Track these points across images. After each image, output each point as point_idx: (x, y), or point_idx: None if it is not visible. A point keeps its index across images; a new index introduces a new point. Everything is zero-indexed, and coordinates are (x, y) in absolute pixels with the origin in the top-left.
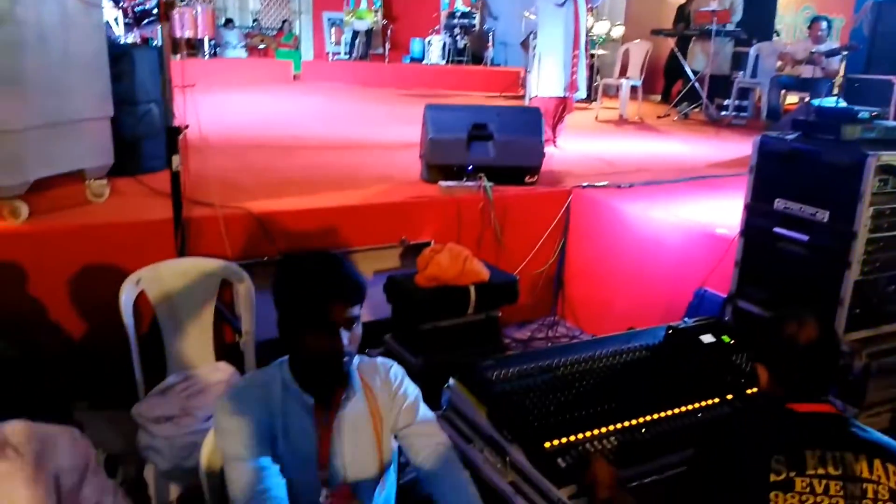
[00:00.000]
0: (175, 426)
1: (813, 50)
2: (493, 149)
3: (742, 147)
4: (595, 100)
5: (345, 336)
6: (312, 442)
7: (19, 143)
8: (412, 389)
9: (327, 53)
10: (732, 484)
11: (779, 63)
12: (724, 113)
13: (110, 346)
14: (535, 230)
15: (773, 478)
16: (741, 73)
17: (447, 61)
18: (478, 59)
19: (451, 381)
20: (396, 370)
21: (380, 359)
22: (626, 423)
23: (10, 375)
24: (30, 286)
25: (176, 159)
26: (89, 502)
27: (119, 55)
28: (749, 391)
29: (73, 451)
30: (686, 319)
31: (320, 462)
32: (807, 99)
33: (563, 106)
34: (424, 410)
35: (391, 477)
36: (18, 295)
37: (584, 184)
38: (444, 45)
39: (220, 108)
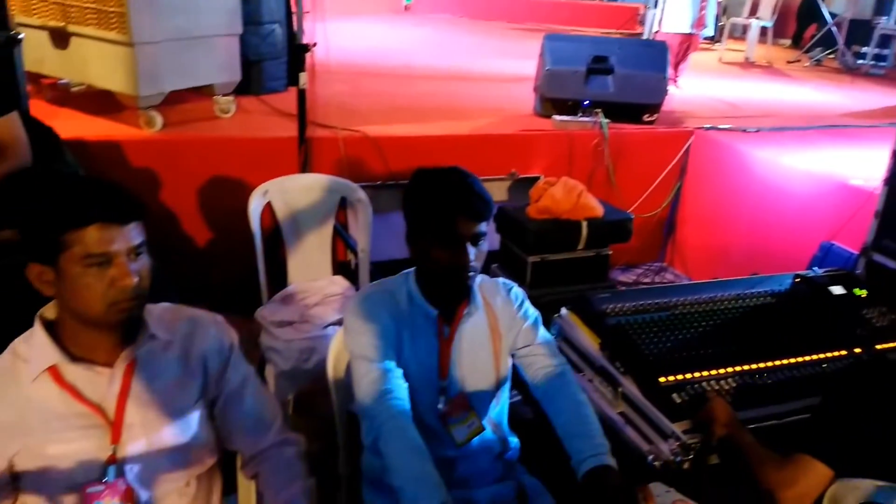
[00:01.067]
0: (295, 331)
1: None
2: (612, 83)
3: (879, 98)
4: (720, 40)
5: (471, 251)
6: (434, 352)
7: (156, 56)
8: (532, 311)
9: None
10: (864, 432)
11: None
12: (860, 61)
13: (233, 254)
14: (650, 171)
15: None
16: (885, 18)
17: None
18: None
19: (564, 310)
20: (517, 291)
21: (501, 279)
22: (746, 367)
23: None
24: (162, 193)
25: (303, 77)
26: (233, 384)
27: None
28: (879, 346)
29: (218, 335)
30: (815, 269)
31: (440, 372)
32: None
33: (688, 43)
34: (544, 332)
35: (505, 393)
36: (151, 200)
37: (707, 126)
38: None
39: (334, 34)
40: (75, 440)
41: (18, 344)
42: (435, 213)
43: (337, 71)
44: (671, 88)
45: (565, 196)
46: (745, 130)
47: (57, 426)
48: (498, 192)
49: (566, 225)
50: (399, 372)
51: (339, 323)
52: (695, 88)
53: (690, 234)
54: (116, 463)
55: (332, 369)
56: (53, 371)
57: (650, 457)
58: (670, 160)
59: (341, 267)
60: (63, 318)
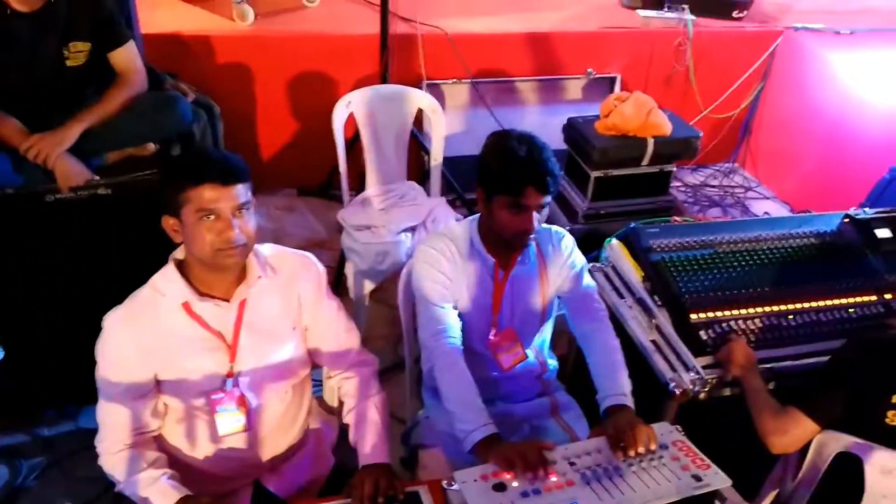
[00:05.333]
0: (372, 234)
1: None
2: None
3: None
4: None
5: (535, 217)
6: (488, 293)
7: None
8: (580, 260)
9: None
10: (854, 392)
11: None
12: None
13: (316, 147)
14: (732, 72)
15: (894, 399)
16: None
17: None
18: None
19: (614, 241)
20: (568, 241)
21: (554, 227)
22: (776, 308)
23: None
24: (255, 86)
25: None
26: (325, 316)
27: None
28: None
29: (311, 274)
30: (865, 210)
31: (493, 309)
32: None
33: None
34: (588, 280)
35: (548, 327)
36: (245, 93)
37: (797, 25)
38: None
39: None
40: (203, 358)
41: (157, 279)
42: (507, 181)
43: None
44: None
45: (635, 113)
46: (837, 32)
47: (188, 348)
48: (573, 90)
49: (632, 142)
50: (455, 313)
51: (410, 230)
52: None
53: (766, 138)
54: (233, 376)
55: (402, 296)
56: (185, 304)
57: (672, 384)
58: (754, 61)
59: (415, 167)
60: (189, 260)
